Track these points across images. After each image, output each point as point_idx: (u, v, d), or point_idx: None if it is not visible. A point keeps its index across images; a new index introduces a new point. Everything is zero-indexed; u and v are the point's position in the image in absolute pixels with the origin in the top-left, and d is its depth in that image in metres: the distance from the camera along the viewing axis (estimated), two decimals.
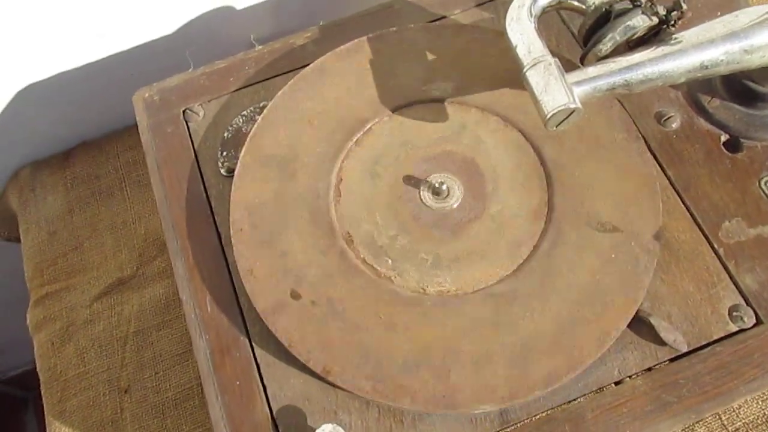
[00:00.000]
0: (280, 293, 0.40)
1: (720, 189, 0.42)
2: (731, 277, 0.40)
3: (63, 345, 0.61)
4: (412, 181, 0.42)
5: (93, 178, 0.67)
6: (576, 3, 0.41)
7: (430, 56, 0.47)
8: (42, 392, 0.60)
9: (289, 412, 0.38)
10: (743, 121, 0.44)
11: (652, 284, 0.39)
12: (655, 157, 0.44)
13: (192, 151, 0.47)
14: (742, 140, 0.44)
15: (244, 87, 0.49)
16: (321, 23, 0.51)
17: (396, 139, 0.44)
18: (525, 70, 0.38)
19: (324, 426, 0.36)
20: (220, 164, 0.45)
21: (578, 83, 0.38)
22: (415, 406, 0.36)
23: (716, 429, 0.54)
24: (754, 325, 0.39)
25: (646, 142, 0.44)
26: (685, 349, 0.38)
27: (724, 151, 0.44)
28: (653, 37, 0.39)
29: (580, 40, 0.42)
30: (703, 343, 0.38)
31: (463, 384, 0.37)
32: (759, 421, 0.54)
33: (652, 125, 0.45)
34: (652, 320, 0.38)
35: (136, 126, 0.69)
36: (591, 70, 0.38)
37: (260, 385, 0.39)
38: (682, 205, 0.42)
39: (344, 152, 0.44)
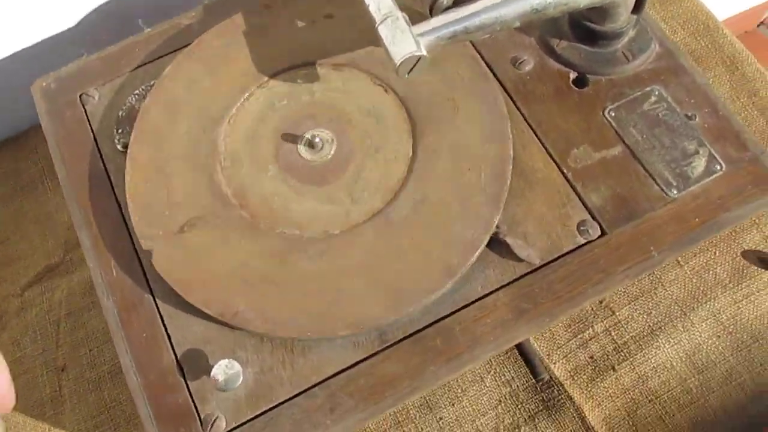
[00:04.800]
0: (169, 235, 0.44)
1: (569, 120, 0.47)
2: (579, 197, 0.45)
3: None
4: (290, 138, 0.46)
5: (14, 174, 0.70)
6: None
7: (300, 24, 0.51)
8: None
9: (192, 355, 0.42)
10: (588, 58, 0.49)
11: (510, 208, 0.44)
12: (510, 98, 0.48)
13: (90, 131, 0.50)
14: (588, 76, 0.49)
15: (136, 68, 0.52)
16: (205, 2, 0.54)
17: (274, 101, 0.48)
18: (377, 25, 0.42)
19: (220, 362, 0.40)
20: (116, 141, 0.49)
21: (423, 34, 0.42)
22: (288, 333, 0.41)
23: (608, 344, 0.60)
24: (599, 237, 0.44)
25: (502, 84, 0.48)
26: (537, 263, 0.43)
27: (573, 87, 0.49)
28: None
29: None
30: (555, 255, 0.43)
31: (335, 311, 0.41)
32: (644, 333, 0.60)
33: (509, 69, 0.50)
34: (508, 240, 0.43)
35: None
36: (434, 21, 0.43)
37: (165, 334, 0.43)
38: (536, 139, 0.47)
39: (227, 118, 0.48)
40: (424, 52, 0.41)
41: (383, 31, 0.42)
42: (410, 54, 0.41)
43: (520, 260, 0.43)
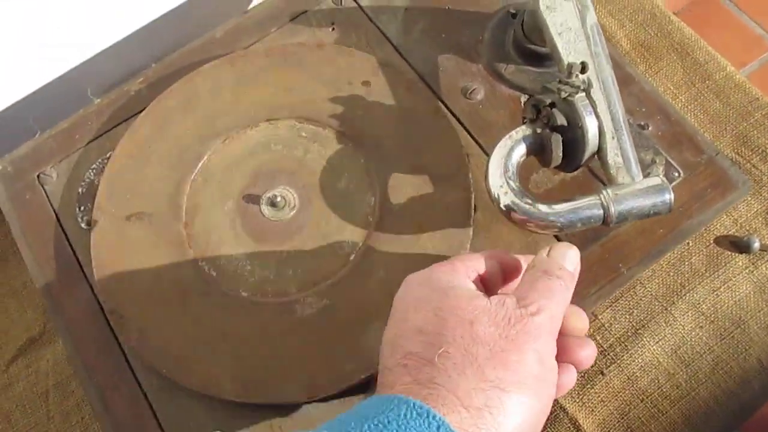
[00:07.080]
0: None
1: None
2: None
3: None
4: (252, 198, 0.46)
5: None
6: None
7: (262, 81, 0.51)
8: None
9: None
10: (537, 80, 0.49)
11: (477, 243, 0.45)
12: (465, 129, 0.48)
13: (52, 212, 0.50)
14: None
15: (91, 142, 0.52)
16: (153, 65, 0.54)
17: (235, 160, 0.48)
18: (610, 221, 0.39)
19: None
20: (79, 219, 0.49)
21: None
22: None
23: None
24: None
25: (456, 116, 0.49)
26: None
27: None
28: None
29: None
30: None
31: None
32: (628, 333, 0.61)
33: (461, 100, 0.50)
34: None
35: None
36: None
37: (150, 411, 0.43)
38: None
39: (188, 182, 0.48)
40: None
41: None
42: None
43: None
